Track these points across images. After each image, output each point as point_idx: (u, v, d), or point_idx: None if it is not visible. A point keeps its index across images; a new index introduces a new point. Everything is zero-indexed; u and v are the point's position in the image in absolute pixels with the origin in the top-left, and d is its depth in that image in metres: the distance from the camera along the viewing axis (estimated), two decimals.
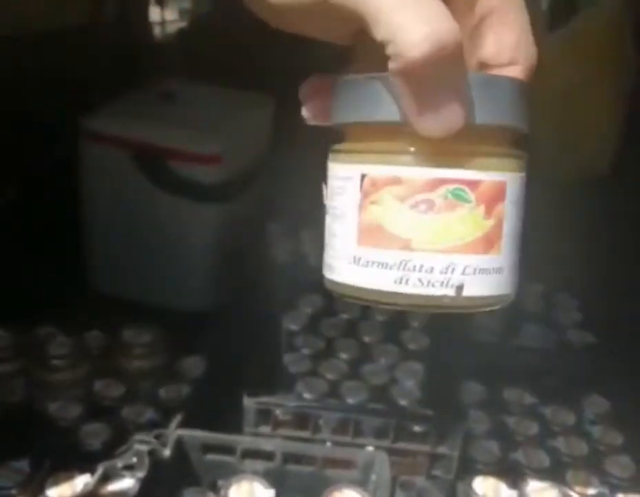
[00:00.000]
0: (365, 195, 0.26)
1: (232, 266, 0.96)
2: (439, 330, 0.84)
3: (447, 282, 0.26)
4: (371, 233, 0.26)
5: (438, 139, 0.25)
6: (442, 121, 0.24)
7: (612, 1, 1.20)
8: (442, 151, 0.25)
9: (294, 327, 0.84)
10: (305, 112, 0.30)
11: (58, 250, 0.93)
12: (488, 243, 0.26)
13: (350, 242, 0.27)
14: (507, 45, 0.27)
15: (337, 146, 0.29)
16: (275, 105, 1.07)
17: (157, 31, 1.44)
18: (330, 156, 0.29)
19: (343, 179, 0.28)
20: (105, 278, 0.96)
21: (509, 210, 0.27)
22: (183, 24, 1.57)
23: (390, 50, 0.23)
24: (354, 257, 0.27)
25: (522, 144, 0.28)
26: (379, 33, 0.23)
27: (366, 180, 0.26)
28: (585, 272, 0.99)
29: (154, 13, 1.42)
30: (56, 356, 0.78)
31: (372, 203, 0.26)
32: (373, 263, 0.27)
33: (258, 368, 0.76)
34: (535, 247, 1.10)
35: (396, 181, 0.26)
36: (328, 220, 0.29)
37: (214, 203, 0.94)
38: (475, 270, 0.26)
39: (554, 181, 1.31)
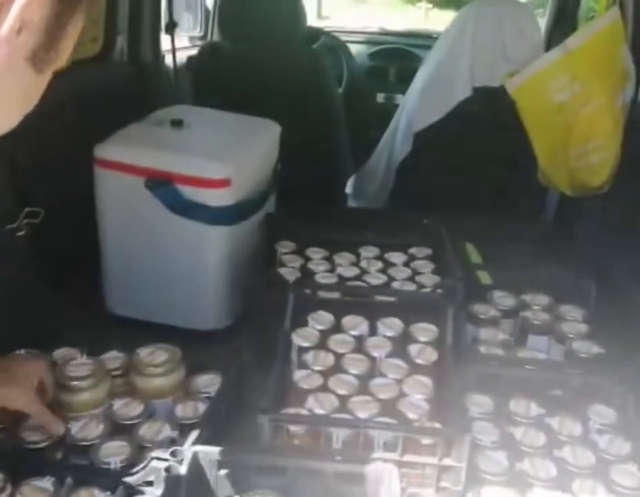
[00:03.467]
0: None
1: (242, 285, 0.98)
2: (446, 344, 0.86)
3: None
4: None
5: None
6: None
7: (609, 16, 1.23)
8: None
9: (304, 344, 0.86)
10: None
11: (76, 274, 0.97)
12: None
13: None
14: None
15: None
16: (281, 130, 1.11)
17: (167, 59, 1.48)
18: None
19: None
20: (120, 300, 1.00)
21: None
22: (192, 52, 1.61)
23: None
24: None
25: None
26: None
27: None
28: (590, 283, 1.01)
29: (165, 42, 1.46)
30: (77, 377, 0.81)
31: None
32: None
33: (271, 384, 0.78)
34: (541, 259, 1.11)
35: None
36: None
37: (224, 225, 0.97)
38: None
39: (556, 194, 1.33)
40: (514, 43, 1.32)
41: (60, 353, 0.87)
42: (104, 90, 1.10)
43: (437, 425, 0.73)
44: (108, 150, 0.96)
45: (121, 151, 0.95)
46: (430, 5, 6.54)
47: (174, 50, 1.44)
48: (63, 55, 0.47)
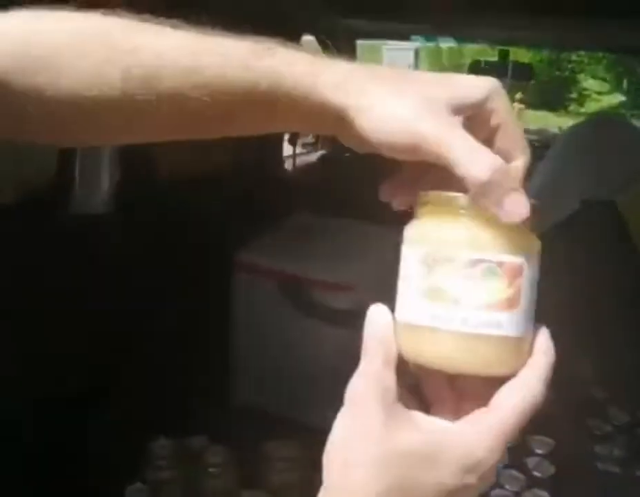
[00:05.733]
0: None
1: None
2: (563, 458, 0.87)
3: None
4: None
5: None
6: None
7: None
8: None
9: None
10: (386, 197, 0.39)
11: (209, 368, 1.06)
12: None
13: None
14: (514, 147, 0.37)
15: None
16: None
17: (288, 166, 1.62)
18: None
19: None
20: (250, 393, 1.07)
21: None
22: (310, 159, 1.75)
23: (466, 178, 0.34)
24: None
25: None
26: (459, 170, 0.34)
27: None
28: None
29: (287, 149, 1.60)
30: (211, 464, 0.87)
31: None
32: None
33: None
34: None
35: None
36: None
37: (346, 326, 1.04)
38: None
39: None
40: (622, 157, 1.36)
41: (195, 440, 0.95)
42: (233, 199, 1.22)
43: None
44: (248, 256, 1.07)
45: (259, 256, 1.06)
46: (523, 106, 6.66)
47: (294, 158, 1.58)
48: None
